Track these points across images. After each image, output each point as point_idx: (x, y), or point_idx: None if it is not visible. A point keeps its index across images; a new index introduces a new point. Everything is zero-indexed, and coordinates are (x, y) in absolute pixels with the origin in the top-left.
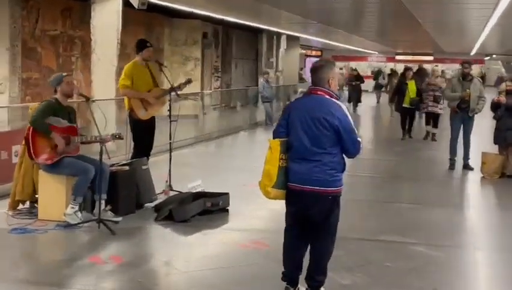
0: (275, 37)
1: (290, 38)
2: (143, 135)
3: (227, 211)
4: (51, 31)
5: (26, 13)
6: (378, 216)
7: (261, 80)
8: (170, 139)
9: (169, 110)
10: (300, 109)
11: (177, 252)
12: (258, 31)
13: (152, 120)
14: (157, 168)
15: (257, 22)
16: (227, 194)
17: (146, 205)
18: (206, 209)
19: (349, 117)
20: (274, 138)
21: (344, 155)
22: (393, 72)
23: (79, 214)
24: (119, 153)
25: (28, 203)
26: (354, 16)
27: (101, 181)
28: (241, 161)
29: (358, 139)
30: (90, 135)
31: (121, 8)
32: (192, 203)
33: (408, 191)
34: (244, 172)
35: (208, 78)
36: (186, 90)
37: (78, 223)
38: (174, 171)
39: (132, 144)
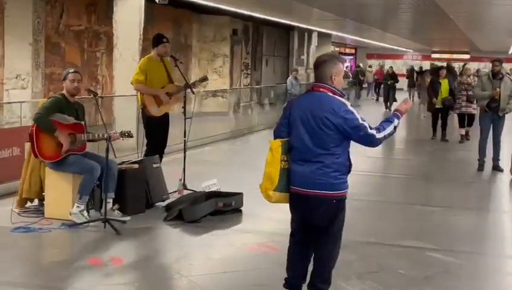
0: (306, 34)
1: (321, 35)
2: (156, 132)
3: (240, 211)
4: (76, 26)
5: (50, 8)
6: (398, 219)
7: (289, 77)
8: (184, 136)
9: (184, 108)
10: (301, 107)
11: (182, 254)
12: (289, 28)
13: (165, 117)
14: (179, 165)
15: (288, 19)
16: (240, 194)
17: (157, 204)
18: (218, 209)
19: (355, 113)
20: (275, 138)
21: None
22: (422, 71)
23: (85, 213)
24: (134, 151)
25: (36, 201)
26: (385, 13)
27: (107, 179)
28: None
29: (371, 131)
30: (98, 133)
31: (143, 3)
32: (203, 203)
33: (433, 193)
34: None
35: (237, 75)
36: (214, 87)
37: (84, 223)
38: (194, 170)
39: (145, 141)
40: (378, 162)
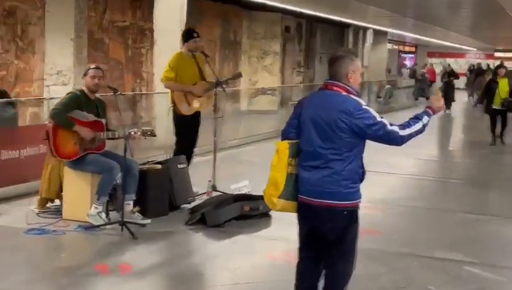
0: (361, 31)
1: (377, 32)
2: (186, 131)
3: (269, 216)
4: (120, 22)
5: (93, 3)
6: (438, 228)
7: None
8: (215, 136)
9: (215, 106)
10: (312, 106)
11: (197, 262)
12: (344, 25)
13: (196, 115)
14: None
15: (343, 16)
16: None
17: (183, 206)
18: (244, 213)
19: (372, 112)
20: (282, 139)
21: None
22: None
23: (103, 215)
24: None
25: (58, 201)
26: (445, 11)
27: (127, 180)
28: None
29: (390, 128)
30: (118, 131)
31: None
32: (228, 206)
33: (479, 200)
34: None
35: (289, 73)
36: (264, 85)
37: (101, 225)
38: (230, 170)
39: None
40: (429, 165)
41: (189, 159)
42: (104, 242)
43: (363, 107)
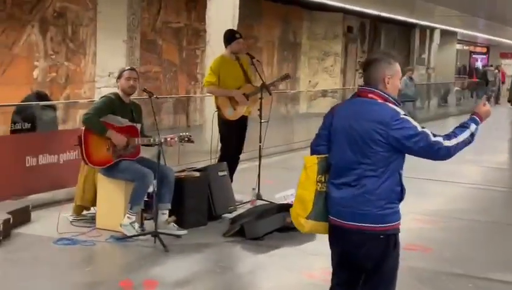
0: (428, 31)
1: (446, 33)
2: (231, 136)
3: None
4: (174, 23)
5: (147, 4)
6: (497, 245)
7: (403, 77)
8: (260, 142)
9: (260, 110)
10: (344, 116)
11: (228, 279)
12: (410, 25)
13: (242, 120)
14: (266, 171)
15: (409, 16)
16: None
17: (224, 215)
18: (286, 225)
19: (411, 122)
20: (312, 153)
21: None
22: None
23: (136, 225)
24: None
25: (94, 209)
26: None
27: (161, 188)
28: None
29: (434, 139)
30: (154, 137)
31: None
32: (270, 217)
33: None
34: None
35: (351, 75)
36: (325, 86)
37: (133, 236)
38: (279, 176)
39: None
40: (495, 173)
41: (235, 166)
42: (134, 255)
43: (401, 116)
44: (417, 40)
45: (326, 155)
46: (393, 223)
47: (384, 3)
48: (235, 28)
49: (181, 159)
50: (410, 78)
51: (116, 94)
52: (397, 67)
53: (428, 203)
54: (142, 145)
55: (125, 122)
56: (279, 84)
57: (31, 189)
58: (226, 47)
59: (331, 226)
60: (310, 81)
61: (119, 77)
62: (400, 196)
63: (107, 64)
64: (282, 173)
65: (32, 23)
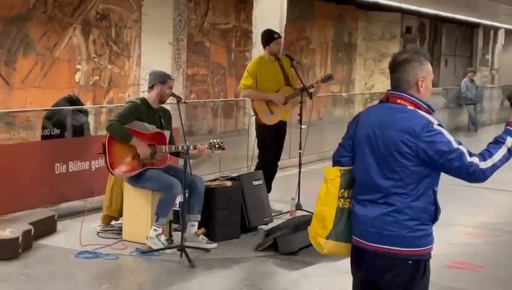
0: (491, 31)
1: (510, 32)
2: (268, 143)
3: None
4: (222, 24)
5: (194, 5)
6: None
7: (464, 79)
8: (300, 149)
9: (300, 115)
10: (369, 124)
11: None
12: (473, 25)
13: (281, 125)
14: (308, 180)
15: (472, 15)
16: None
17: (260, 227)
18: None
19: (446, 135)
20: (334, 165)
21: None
22: None
23: (162, 237)
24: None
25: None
26: None
27: (190, 199)
28: None
29: (470, 160)
30: (182, 144)
31: None
32: (305, 231)
33: None
34: None
35: None
36: (382, 89)
37: (158, 250)
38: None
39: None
40: None
41: (273, 173)
42: (157, 270)
43: (435, 127)
44: (480, 41)
45: (351, 168)
46: (425, 248)
47: (444, 2)
48: (283, 29)
49: (223, 165)
50: (471, 80)
51: (143, 99)
52: (429, 67)
53: (479, 214)
54: (170, 153)
55: (153, 128)
56: (319, 86)
57: (60, 197)
58: (264, 48)
59: (353, 247)
60: (365, 83)
61: (161, 82)
62: (434, 216)
63: (152, 67)
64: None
65: (74, 26)
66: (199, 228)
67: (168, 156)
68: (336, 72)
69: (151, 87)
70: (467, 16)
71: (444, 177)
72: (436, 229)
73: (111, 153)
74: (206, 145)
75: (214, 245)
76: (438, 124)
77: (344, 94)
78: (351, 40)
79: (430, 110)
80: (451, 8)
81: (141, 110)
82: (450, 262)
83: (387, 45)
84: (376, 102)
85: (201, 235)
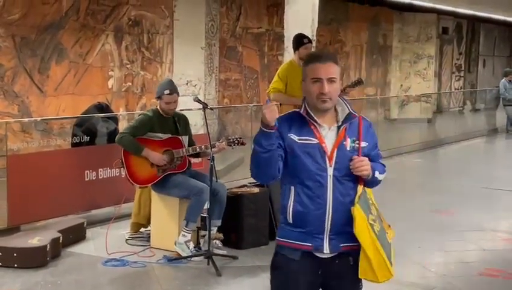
0: None
1: None
2: None
3: None
4: (255, 28)
5: (226, 10)
6: None
7: (502, 80)
8: None
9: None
10: None
11: None
12: (511, 25)
13: None
14: None
15: (510, 14)
16: None
17: None
18: None
19: None
20: None
21: None
22: None
23: (191, 244)
24: None
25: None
26: None
27: (213, 205)
28: (453, 178)
29: None
30: (200, 145)
31: (317, 2)
32: None
33: None
34: (448, 194)
35: (446, 78)
36: (418, 91)
37: (186, 257)
38: None
39: None
40: None
41: None
42: (183, 279)
43: None
44: None
45: None
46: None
47: (480, 2)
48: (314, 33)
49: None
50: (510, 81)
51: (155, 110)
52: (306, 69)
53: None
54: (189, 155)
55: (166, 136)
56: (351, 90)
57: (90, 205)
58: (294, 52)
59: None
60: (401, 85)
61: (159, 97)
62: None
63: (184, 73)
64: None
65: (107, 32)
66: (226, 234)
67: (187, 159)
68: (370, 74)
69: (158, 98)
70: (505, 16)
71: (475, 180)
72: (468, 234)
73: (129, 165)
74: (224, 143)
75: (224, 252)
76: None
77: (378, 97)
78: (386, 42)
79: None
80: (488, 8)
81: (153, 121)
82: (483, 269)
83: (424, 47)
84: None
85: (216, 240)
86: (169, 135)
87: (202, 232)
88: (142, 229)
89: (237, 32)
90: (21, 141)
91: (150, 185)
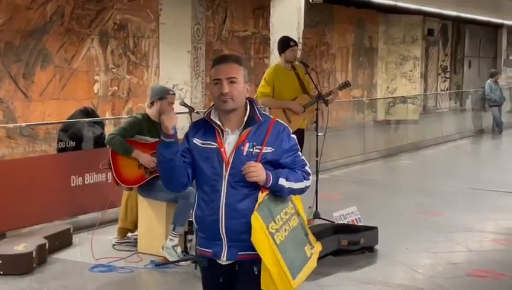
0: None
1: None
2: None
3: (372, 251)
4: (241, 31)
5: (212, 13)
6: None
7: (488, 81)
8: (317, 156)
9: (316, 122)
10: None
11: None
12: (496, 26)
13: (299, 133)
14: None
15: (495, 16)
16: (374, 229)
17: None
18: (341, 248)
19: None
20: None
21: None
22: None
23: (178, 249)
24: None
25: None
26: None
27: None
28: (440, 179)
29: None
30: None
31: (303, 5)
32: (322, 240)
33: None
34: (435, 195)
35: (432, 79)
36: (403, 92)
37: (173, 262)
38: (344, 191)
39: None
40: None
41: None
42: (170, 284)
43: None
44: (504, 41)
45: None
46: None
47: (466, 4)
48: (300, 36)
49: None
50: (495, 82)
51: (144, 115)
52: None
53: (504, 220)
54: None
55: (153, 139)
56: (337, 92)
57: (76, 210)
58: (280, 55)
59: None
60: (388, 87)
61: (160, 98)
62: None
63: (170, 77)
64: (348, 187)
65: (92, 37)
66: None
67: None
68: (357, 76)
69: (151, 104)
70: (490, 17)
71: (463, 181)
72: (455, 236)
73: (116, 166)
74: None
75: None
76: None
77: (365, 99)
78: (372, 44)
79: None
80: (473, 9)
81: (142, 125)
82: (470, 270)
83: (409, 48)
84: (399, 105)
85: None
86: (158, 139)
87: (189, 237)
88: (129, 234)
89: (223, 35)
90: (6, 147)
91: (136, 186)
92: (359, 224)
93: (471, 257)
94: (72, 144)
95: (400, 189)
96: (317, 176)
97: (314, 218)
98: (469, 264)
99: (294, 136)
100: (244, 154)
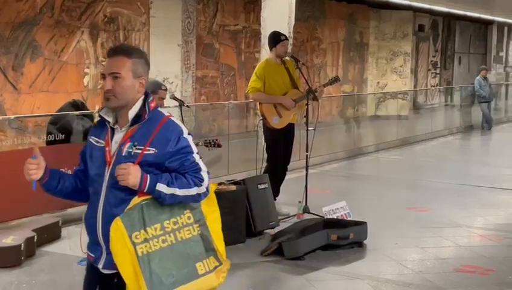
0: (505, 28)
1: None
2: (277, 146)
3: (362, 246)
4: (232, 25)
5: (202, 7)
6: None
7: (477, 77)
8: (307, 151)
9: (306, 117)
10: None
11: None
12: (486, 22)
13: (289, 128)
14: (322, 181)
15: (485, 12)
16: (363, 224)
17: (266, 231)
18: (330, 243)
19: None
20: None
21: None
22: None
23: None
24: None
25: None
26: None
27: None
28: (429, 175)
29: None
30: None
31: None
32: (311, 235)
33: None
34: (424, 190)
35: (422, 75)
36: (393, 88)
37: None
38: (335, 186)
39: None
40: None
41: (282, 176)
42: None
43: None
44: (494, 38)
45: None
46: None
47: (456, 0)
48: (291, 30)
49: (232, 168)
50: (485, 78)
51: None
52: None
53: (492, 215)
54: None
55: None
56: (327, 86)
57: (65, 203)
58: (270, 50)
59: None
60: (378, 82)
61: (152, 92)
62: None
63: (161, 70)
64: (338, 181)
65: (82, 29)
66: None
67: None
68: (347, 71)
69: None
70: (480, 13)
71: (451, 177)
72: (444, 231)
73: None
74: (200, 143)
75: None
76: None
77: (355, 94)
78: (363, 39)
79: None
80: (464, 5)
81: None
82: (459, 265)
83: (400, 44)
84: (390, 101)
85: None
86: None
87: None
88: None
89: (214, 29)
90: None
91: None
92: (348, 219)
93: (459, 253)
94: (61, 136)
95: (389, 184)
96: (306, 170)
97: (304, 213)
98: (457, 259)
99: (189, 137)
100: (123, 154)
